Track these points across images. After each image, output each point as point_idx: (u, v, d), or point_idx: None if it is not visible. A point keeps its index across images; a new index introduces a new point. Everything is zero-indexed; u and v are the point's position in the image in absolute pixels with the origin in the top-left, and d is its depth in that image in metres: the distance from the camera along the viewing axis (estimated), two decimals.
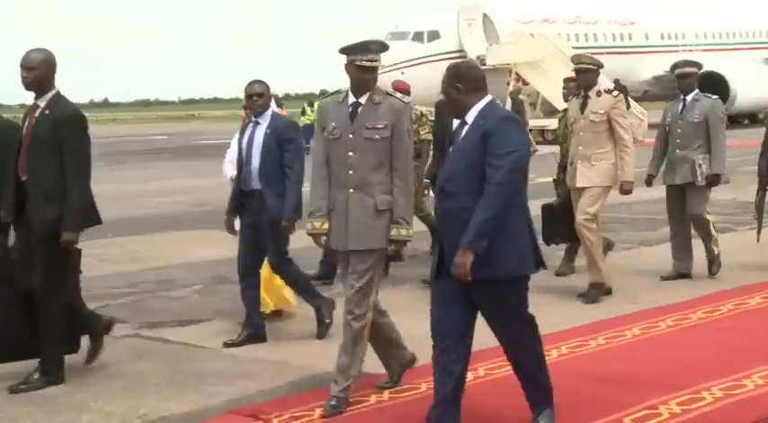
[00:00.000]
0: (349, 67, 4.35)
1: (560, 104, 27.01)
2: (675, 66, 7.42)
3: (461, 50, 26.56)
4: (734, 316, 6.10)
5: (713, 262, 7.37)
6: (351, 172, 4.34)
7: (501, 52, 26.03)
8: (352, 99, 4.40)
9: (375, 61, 4.32)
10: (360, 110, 4.36)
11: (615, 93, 6.78)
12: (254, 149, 5.66)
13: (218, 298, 7.09)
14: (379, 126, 4.33)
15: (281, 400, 4.56)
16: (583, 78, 6.83)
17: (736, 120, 30.62)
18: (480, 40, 26.57)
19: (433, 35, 26.57)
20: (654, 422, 4.09)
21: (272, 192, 5.57)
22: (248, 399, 4.59)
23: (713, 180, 7.18)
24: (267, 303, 6.09)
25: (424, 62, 24.73)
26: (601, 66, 6.88)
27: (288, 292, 6.17)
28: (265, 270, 5.94)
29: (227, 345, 5.60)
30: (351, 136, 4.34)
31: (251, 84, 5.74)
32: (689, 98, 7.27)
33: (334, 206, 4.39)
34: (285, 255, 5.78)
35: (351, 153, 4.34)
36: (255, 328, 5.71)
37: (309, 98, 22.16)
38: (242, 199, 5.74)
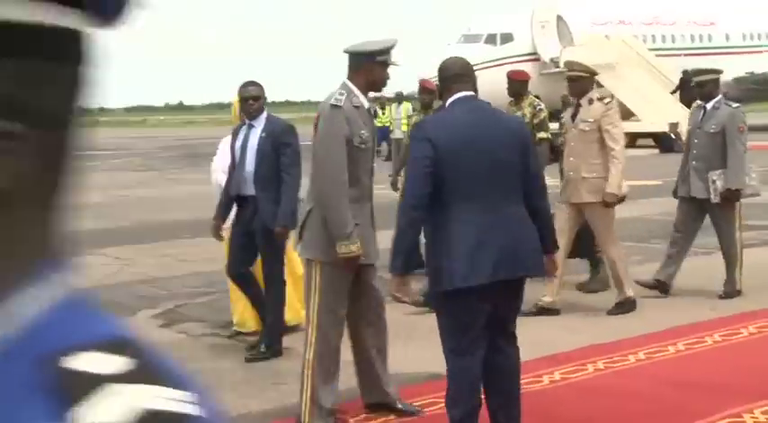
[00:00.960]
0: (377, 66, 4.10)
1: (636, 108, 26.57)
2: (693, 73, 6.98)
3: (535, 53, 26.31)
4: None
5: (731, 293, 6.68)
6: (370, 182, 4.20)
7: (575, 55, 25.65)
8: (366, 102, 4.16)
9: None
10: (370, 113, 4.24)
11: (607, 100, 6.38)
12: (248, 153, 5.40)
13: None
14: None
15: (358, 400, 4.60)
16: (574, 86, 6.42)
17: None
18: (554, 41, 26.27)
19: (507, 37, 26.36)
20: None
21: (266, 198, 5.29)
22: None
23: (729, 196, 6.56)
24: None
25: (498, 65, 24.56)
26: (595, 73, 6.57)
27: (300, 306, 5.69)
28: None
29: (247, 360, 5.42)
30: (371, 144, 4.17)
31: (245, 86, 5.49)
32: (708, 106, 6.72)
33: (357, 220, 4.07)
34: (281, 267, 5.48)
35: (374, 163, 4.23)
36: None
37: (380, 100, 22.23)
38: (236, 204, 5.51)
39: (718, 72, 7.04)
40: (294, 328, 5.81)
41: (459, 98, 3.67)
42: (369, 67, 4.10)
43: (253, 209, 5.38)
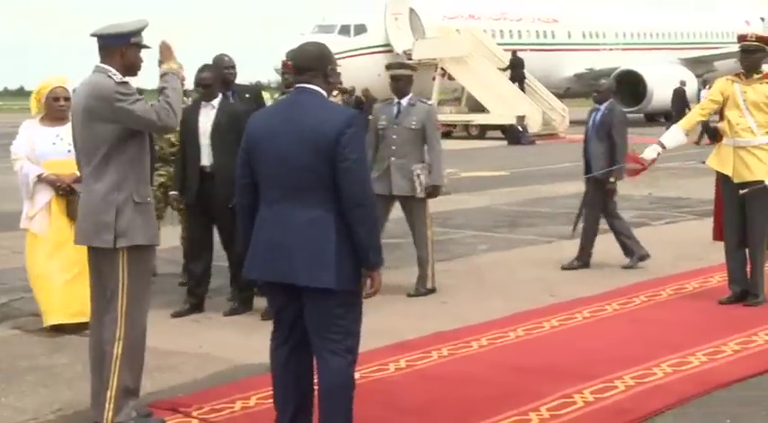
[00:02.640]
0: (131, 48, 4.04)
1: (485, 101, 27.37)
2: (388, 67, 7.07)
3: (388, 44, 26.64)
4: (647, 307, 6.29)
5: (424, 293, 6.62)
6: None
7: (427, 47, 26.21)
8: None
9: None
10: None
11: (335, 93, 6.37)
12: None
13: None
14: None
15: (201, 392, 4.52)
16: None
17: (653, 117, 31.49)
18: (407, 34, 26.69)
19: (360, 29, 26.58)
20: (568, 410, 4.20)
21: None
22: (168, 392, 4.54)
23: (432, 192, 6.62)
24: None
25: (350, 56, 24.70)
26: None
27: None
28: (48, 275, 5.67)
29: None
30: None
31: None
32: (404, 102, 6.63)
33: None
34: None
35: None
36: None
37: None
38: None
39: (414, 69, 7.15)
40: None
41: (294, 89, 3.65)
42: (123, 50, 3.99)
43: None
